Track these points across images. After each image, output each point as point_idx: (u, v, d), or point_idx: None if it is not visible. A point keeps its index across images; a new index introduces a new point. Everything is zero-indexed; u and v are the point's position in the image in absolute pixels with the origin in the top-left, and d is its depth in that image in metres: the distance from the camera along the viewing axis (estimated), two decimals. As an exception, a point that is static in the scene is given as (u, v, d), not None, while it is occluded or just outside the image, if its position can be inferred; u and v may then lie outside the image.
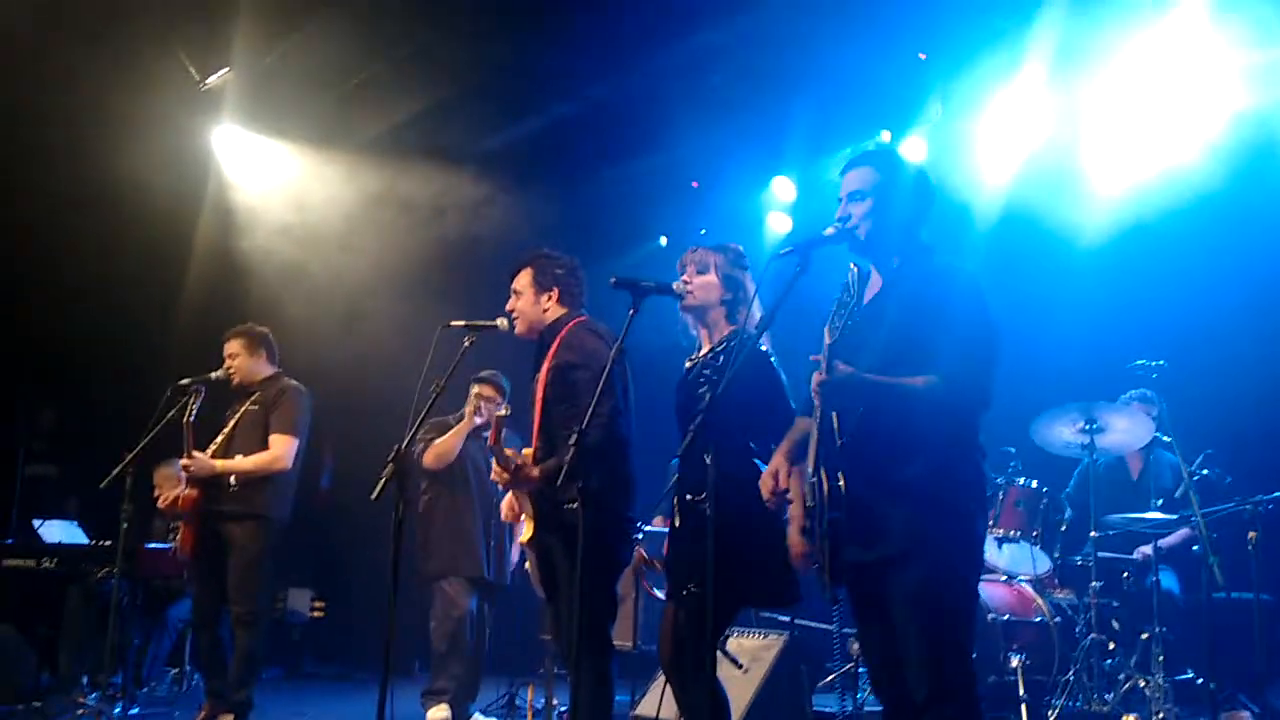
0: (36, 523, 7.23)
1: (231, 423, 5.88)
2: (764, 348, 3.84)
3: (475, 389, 6.18)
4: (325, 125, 8.45)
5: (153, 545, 6.65)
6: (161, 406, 5.68)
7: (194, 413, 5.57)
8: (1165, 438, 5.61)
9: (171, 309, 8.68)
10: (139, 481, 5.81)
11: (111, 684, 6.03)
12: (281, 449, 5.75)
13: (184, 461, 5.58)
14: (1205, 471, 5.50)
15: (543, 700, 6.42)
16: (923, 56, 7.27)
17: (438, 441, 6.08)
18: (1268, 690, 5.04)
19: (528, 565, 5.00)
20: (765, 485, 3.21)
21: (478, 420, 6.05)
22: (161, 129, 7.98)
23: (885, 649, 3.11)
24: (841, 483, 2.97)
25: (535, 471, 4.22)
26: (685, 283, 3.94)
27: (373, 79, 7.86)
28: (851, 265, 3.05)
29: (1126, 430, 5.54)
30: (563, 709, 6.27)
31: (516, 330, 4.50)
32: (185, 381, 5.69)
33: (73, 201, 7.77)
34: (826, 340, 2.92)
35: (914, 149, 7.54)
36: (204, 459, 5.62)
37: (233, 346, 5.99)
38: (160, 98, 7.88)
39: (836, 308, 2.97)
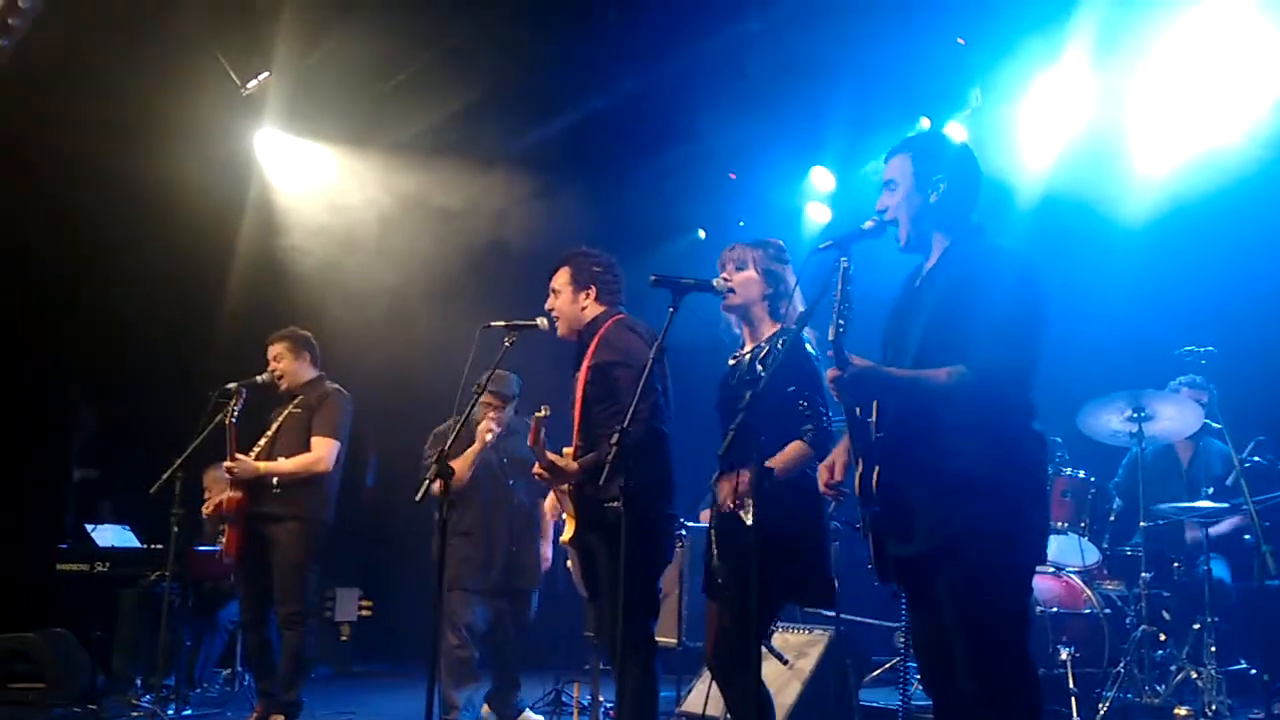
0: (89, 527, 7.36)
1: (275, 426, 5.95)
2: (809, 347, 3.81)
3: (485, 398, 5.95)
4: (363, 127, 8.51)
5: (203, 548, 6.74)
6: (209, 410, 5.76)
7: (235, 415, 5.64)
8: (1215, 424, 5.52)
9: (215, 311, 8.77)
10: (188, 485, 5.89)
11: (165, 685, 6.12)
12: (323, 451, 5.81)
13: (227, 464, 5.66)
14: (1257, 458, 5.41)
15: (589, 697, 6.44)
16: (961, 41, 7.19)
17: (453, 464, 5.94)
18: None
19: (569, 564, 5.00)
20: (821, 477, 3.23)
21: (488, 439, 5.92)
22: (204, 133, 8.07)
23: (933, 644, 3.09)
24: (875, 477, 2.94)
25: (575, 465, 4.24)
26: (725, 280, 3.93)
27: (409, 80, 7.90)
28: (842, 260, 2.99)
29: (1175, 418, 5.46)
30: (609, 705, 6.29)
31: (559, 331, 4.52)
32: (231, 386, 5.77)
33: (115, 206, 7.88)
34: (831, 336, 2.87)
35: (954, 136, 7.46)
36: (247, 461, 5.69)
37: (277, 350, 6.06)
38: (202, 102, 7.97)
39: (834, 302, 2.93)
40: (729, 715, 4.16)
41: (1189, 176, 6.54)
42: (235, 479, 5.78)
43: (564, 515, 4.55)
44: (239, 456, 5.66)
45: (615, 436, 3.55)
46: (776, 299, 3.94)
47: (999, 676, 2.90)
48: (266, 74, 8.03)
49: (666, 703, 5.71)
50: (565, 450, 4.40)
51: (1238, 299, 6.13)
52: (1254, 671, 5.30)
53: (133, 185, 7.77)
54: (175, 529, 5.81)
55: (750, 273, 3.97)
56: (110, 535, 7.31)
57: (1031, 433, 3.03)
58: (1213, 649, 5.11)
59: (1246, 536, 5.49)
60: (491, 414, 5.95)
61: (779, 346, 3.81)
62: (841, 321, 2.86)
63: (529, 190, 8.57)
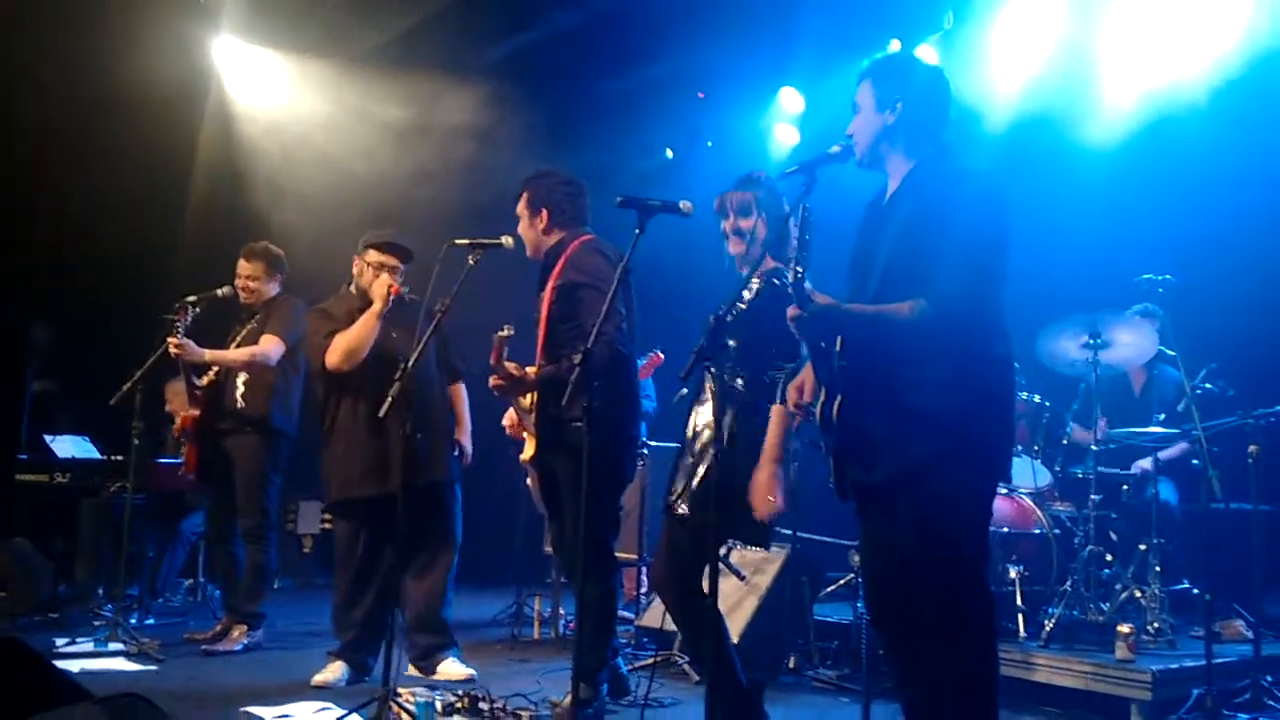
0: (48, 438, 7.32)
1: (234, 343, 5.96)
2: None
3: (373, 256, 5.04)
4: (323, 37, 8.33)
5: (164, 459, 6.74)
6: (166, 322, 5.72)
7: (181, 329, 5.59)
8: (1169, 352, 5.60)
9: (175, 221, 8.65)
10: (149, 397, 5.88)
11: (127, 595, 6.15)
12: (267, 346, 5.84)
13: (172, 342, 5.59)
14: (1208, 385, 5.50)
15: (549, 609, 6.56)
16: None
17: (343, 334, 4.89)
18: (1262, 600, 5.12)
19: (529, 481, 5.04)
20: (790, 397, 3.26)
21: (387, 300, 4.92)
22: (161, 40, 7.87)
23: (883, 570, 3.14)
24: (836, 406, 2.97)
25: (530, 374, 4.28)
26: (736, 232, 3.92)
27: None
28: (802, 206, 2.96)
29: (1130, 344, 5.52)
30: (569, 618, 6.41)
31: (528, 253, 4.55)
32: (191, 299, 5.72)
33: (72, 114, 7.70)
34: (790, 279, 2.83)
35: (922, 57, 7.43)
36: (191, 345, 5.66)
37: (253, 269, 6.03)
38: (159, 8, 7.77)
39: (796, 244, 2.88)
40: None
41: (1155, 105, 6.56)
42: (192, 395, 5.82)
43: (524, 433, 4.59)
44: (184, 340, 5.62)
45: (578, 356, 3.57)
46: (781, 243, 3.90)
47: (956, 603, 2.94)
48: (223, -21, 7.84)
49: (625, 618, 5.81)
50: (529, 369, 4.42)
51: (1197, 229, 6.17)
52: (1196, 591, 5.45)
53: (89, 92, 7.59)
54: (136, 441, 5.81)
55: (755, 219, 3.96)
56: (69, 446, 7.29)
57: (997, 359, 3.02)
58: (1157, 569, 5.26)
59: (1194, 461, 5.61)
60: (387, 274, 5.02)
61: (773, 281, 3.80)
62: (799, 269, 2.81)
63: (493, 105, 8.45)
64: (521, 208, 4.59)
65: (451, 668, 4.99)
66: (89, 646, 5.44)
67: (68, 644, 5.44)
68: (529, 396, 4.51)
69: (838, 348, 2.97)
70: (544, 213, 4.52)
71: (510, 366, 4.33)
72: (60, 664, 3.70)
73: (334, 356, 4.89)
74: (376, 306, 4.86)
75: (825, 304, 2.88)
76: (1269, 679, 4.73)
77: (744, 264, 3.97)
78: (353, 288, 5.15)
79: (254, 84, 8.62)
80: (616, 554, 4.49)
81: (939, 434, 2.90)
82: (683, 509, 3.76)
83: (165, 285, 6.89)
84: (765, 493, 3.55)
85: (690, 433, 3.88)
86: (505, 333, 4.26)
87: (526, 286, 4.69)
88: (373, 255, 5.07)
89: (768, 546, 4.08)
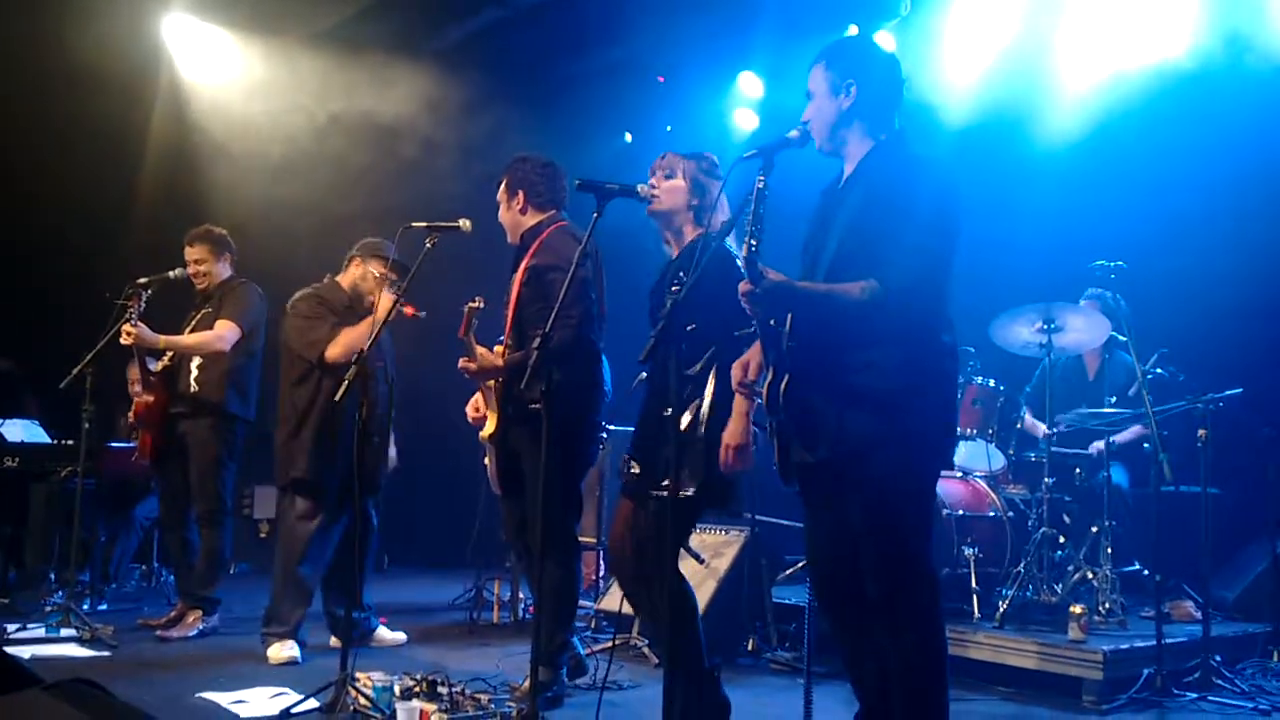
0: (-3, 421, 7.21)
1: (190, 328, 5.90)
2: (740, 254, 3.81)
3: (379, 269, 5.21)
4: (279, 15, 8.21)
5: (116, 444, 6.65)
6: (118, 307, 5.64)
7: (135, 315, 5.51)
8: (1121, 337, 5.67)
9: (128, 201, 8.51)
10: (100, 380, 5.79)
11: (79, 581, 6.08)
12: (222, 330, 5.79)
13: (125, 329, 5.53)
14: (1159, 370, 5.58)
15: (509, 593, 6.55)
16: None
17: (350, 331, 5.18)
18: (1211, 581, 5.22)
19: (486, 460, 5.02)
20: (735, 375, 3.26)
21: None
22: (110, 17, 7.72)
23: (829, 550, 3.16)
24: (783, 386, 2.98)
25: (500, 361, 4.27)
26: (652, 188, 3.89)
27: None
28: (758, 179, 2.95)
29: (1083, 330, 5.60)
30: (529, 602, 6.40)
31: (508, 239, 4.58)
32: (142, 281, 5.65)
33: (22, 91, 7.55)
34: (744, 253, 2.85)
35: (875, 41, 7.44)
36: (146, 330, 5.60)
37: (199, 253, 5.96)
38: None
39: (751, 218, 2.88)
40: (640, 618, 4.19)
41: (1110, 95, 6.62)
42: (146, 383, 5.75)
43: (486, 412, 4.56)
44: (138, 324, 5.56)
45: (537, 340, 3.55)
46: (701, 210, 3.89)
47: (900, 583, 2.97)
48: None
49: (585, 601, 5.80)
50: (496, 348, 4.42)
51: (1150, 219, 6.24)
52: (1146, 572, 5.54)
53: (37, 69, 7.43)
54: (87, 425, 5.73)
55: (678, 181, 3.92)
56: (19, 430, 7.18)
57: (943, 345, 3.05)
58: (1109, 551, 5.34)
59: (1145, 445, 5.70)
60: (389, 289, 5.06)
61: (698, 251, 3.80)
62: (754, 241, 2.82)
63: (451, 88, 8.37)
64: (501, 193, 4.60)
65: (386, 634, 5.56)
66: (40, 632, 5.38)
67: (18, 629, 5.36)
68: None
69: (787, 327, 2.98)
70: (520, 194, 4.53)
71: (481, 351, 4.31)
72: (11, 649, 3.66)
73: (337, 349, 5.16)
74: (380, 317, 4.66)
75: (777, 280, 2.89)
76: (1218, 659, 4.82)
77: (656, 220, 3.95)
78: (342, 281, 5.47)
79: (206, 62, 8.47)
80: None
81: (883, 416, 2.93)
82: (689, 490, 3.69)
83: (116, 264, 6.78)
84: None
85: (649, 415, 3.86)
86: (476, 304, 4.23)
87: (492, 272, 4.67)
88: (379, 267, 5.25)
89: (734, 509, 4.03)
